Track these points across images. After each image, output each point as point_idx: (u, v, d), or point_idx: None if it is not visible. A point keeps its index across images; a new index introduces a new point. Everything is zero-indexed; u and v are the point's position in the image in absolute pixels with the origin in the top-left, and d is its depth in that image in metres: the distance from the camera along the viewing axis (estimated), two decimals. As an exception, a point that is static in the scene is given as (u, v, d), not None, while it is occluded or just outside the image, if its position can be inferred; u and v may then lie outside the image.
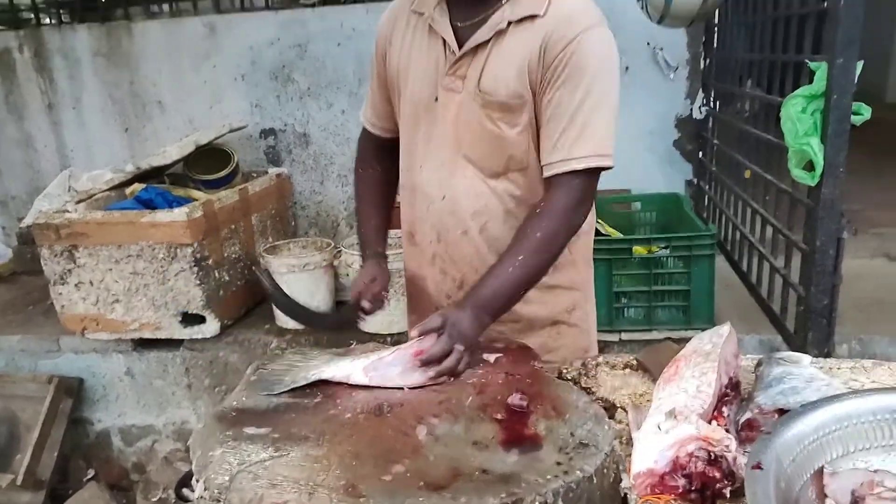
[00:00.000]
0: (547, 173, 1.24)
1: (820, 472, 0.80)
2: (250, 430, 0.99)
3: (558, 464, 0.87)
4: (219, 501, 0.84)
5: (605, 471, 0.88)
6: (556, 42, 1.18)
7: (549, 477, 0.84)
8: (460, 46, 1.24)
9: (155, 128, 3.33)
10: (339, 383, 1.12)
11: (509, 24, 1.20)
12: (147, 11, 3.32)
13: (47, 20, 3.57)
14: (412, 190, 1.39)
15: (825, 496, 0.77)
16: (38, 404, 2.65)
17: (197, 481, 0.89)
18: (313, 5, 3.13)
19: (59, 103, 3.37)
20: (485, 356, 1.21)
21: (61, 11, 3.48)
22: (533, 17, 1.20)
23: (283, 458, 0.91)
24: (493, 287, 1.20)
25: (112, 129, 3.37)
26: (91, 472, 2.86)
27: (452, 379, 1.12)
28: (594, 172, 1.23)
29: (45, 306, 2.95)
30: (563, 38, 1.17)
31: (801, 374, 1.05)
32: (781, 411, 0.94)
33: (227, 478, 0.86)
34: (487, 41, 1.22)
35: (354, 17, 3.06)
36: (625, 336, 2.45)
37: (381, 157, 1.49)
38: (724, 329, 1.17)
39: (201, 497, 0.87)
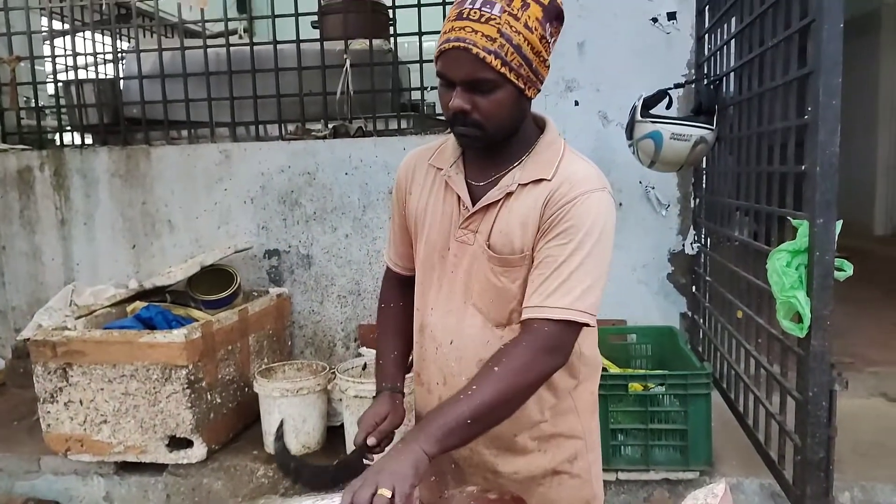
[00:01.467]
0: (523, 316, 1.24)
1: None
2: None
3: None
4: None
5: None
6: (557, 200, 1.24)
7: None
8: (474, 203, 1.31)
9: (162, 245, 3.42)
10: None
11: (518, 185, 1.28)
12: (167, 137, 3.50)
13: (70, 141, 3.77)
14: (422, 331, 1.42)
15: None
16: (10, 530, 2.54)
17: None
18: (324, 137, 3.32)
19: (72, 219, 3.48)
20: (476, 509, 1.18)
21: (85, 134, 3.68)
22: (541, 180, 1.27)
23: None
24: (438, 418, 1.14)
25: (120, 245, 3.45)
26: None
27: None
28: (570, 325, 1.22)
29: (31, 422, 2.89)
30: (563, 196, 1.23)
31: (798, 545, 1.03)
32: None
33: None
34: (498, 200, 1.29)
35: (362, 150, 3.24)
36: (622, 476, 2.39)
37: (403, 293, 1.52)
38: (719, 489, 1.14)
39: None
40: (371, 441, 1.32)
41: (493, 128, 1.22)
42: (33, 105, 3.73)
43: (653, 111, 2.61)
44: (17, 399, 3.25)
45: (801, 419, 1.74)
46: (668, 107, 2.75)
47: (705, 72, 2.88)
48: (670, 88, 2.72)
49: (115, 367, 2.46)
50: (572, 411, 1.39)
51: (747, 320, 2.32)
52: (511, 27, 1.14)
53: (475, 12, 1.15)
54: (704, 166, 2.96)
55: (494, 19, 1.14)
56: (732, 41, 2.53)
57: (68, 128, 3.79)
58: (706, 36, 2.90)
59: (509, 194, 1.28)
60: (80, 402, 2.50)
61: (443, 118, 3.85)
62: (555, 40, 1.23)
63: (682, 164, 2.62)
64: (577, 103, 3.14)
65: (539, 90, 1.25)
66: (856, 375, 3.06)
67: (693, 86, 2.93)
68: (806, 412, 1.68)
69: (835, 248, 1.59)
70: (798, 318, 1.65)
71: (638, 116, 2.58)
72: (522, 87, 1.20)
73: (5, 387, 3.45)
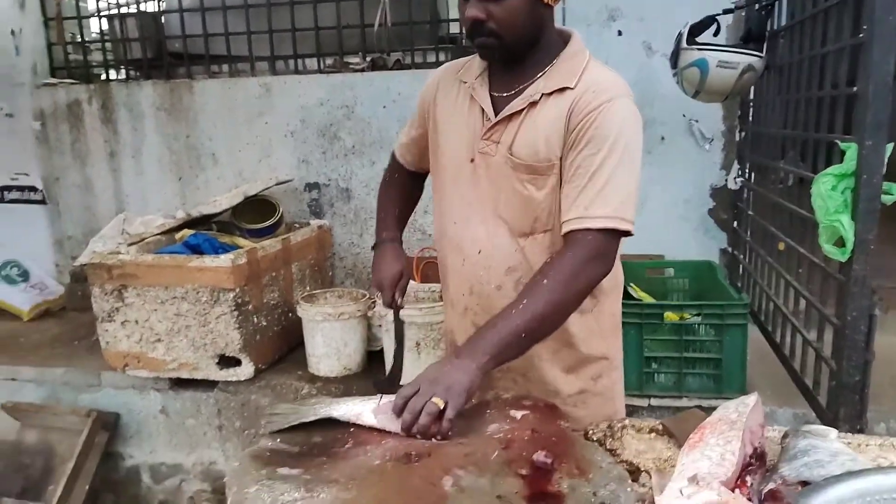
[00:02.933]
0: (564, 230, 1.27)
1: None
2: (283, 471, 1.04)
3: (579, 521, 0.89)
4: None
5: (626, 531, 0.90)
6: (583, 108, 1.25)
7: (569, 533, 0.86)
8: (496, 114, 1.33)
9: (207, 178, 3.51)
10: (370, 430, 1.17)
11: (542, 95, 1.29)
12: (208, 71, 3.54)
13: (116, 76, 3.84)
14: (445, 244, 1.46)
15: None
16: (75, 437, 2.73)
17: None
18: (363, 70, 3.31)
19: (121, 152, 3.58)
20: (511, 412, 1.23)
21: (129, 68, 3.75)
22: (564, 88, 1.28)
23: (313, 498, 0.95)
24: (492, 334, 1.18)
25: (167, 177, 3.56)
26: (118, 509, 2.91)
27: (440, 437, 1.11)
28: (612, 234, 1.25)
29: (90, 342, 3.07)
30: (588, 104, 1.25)
31: (827, 447, 1.05)
32: (805, 483, 0.95)
33: (262, 514, 0.91)
34: (521, 110, 1.30)
35: (400, 83, 3.23)
36: (654, 402, 2.44)
37: (408, 175, 1.66)
38: (751, 399, 1.17)
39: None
40: (399, 300, 1.52)
41: (510, 36, 1.23)
42: (79, 40, 3.79)
43: (699, 39, 2.53)
44: (76, 321, 3.45)
45: (838, 344, 1.74)
46: (716, 34, 2.65)
47: (757, -3, 2.76)
48: (718, 14, 2.61)
49: (167, 289, 2.58)
50: (596, 332, 1.42)
51: (788, 252, 2.30)
52: None
53: None
54: (752, 97, 2.87)
55: None
56: (787, -38, 2.41)
57: (112, 62, 3.85)
58: (760, -42, 2.76)
59: (533, 104, 1.29)
60: (136, 321, 2.64)
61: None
62: None
63: (727, 93, 2.54)
64: (620, 33, 3.06)
65: None
66: (899, 314, 3.00)
67: (743, 12, 2.81)
68: (843, 336, 1.68)
69: (883, 172, 1.55)
70: (841, 243, 1.63)
71: (683, 44, 2.50)
72: None
73: (65, 311, 3.65)
